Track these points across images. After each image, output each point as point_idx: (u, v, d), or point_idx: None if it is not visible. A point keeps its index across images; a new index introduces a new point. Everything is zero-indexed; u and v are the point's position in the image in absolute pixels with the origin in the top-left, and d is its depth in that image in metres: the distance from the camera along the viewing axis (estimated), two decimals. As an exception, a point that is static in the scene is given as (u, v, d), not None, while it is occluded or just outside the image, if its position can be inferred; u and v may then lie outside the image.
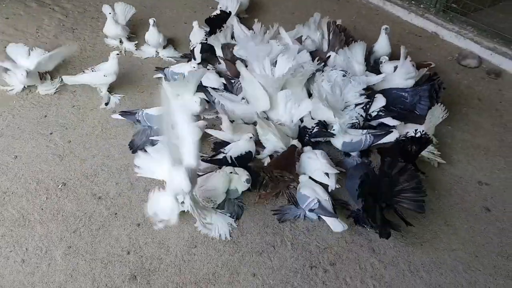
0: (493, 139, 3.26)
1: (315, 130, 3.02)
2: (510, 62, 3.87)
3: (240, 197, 2.73)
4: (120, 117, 3.20)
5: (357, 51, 3.48)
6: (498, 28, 4.06)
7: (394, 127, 3.07)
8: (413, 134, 2.76)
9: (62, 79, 3.56)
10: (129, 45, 4.10)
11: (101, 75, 3.43)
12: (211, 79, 3.47)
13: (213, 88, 3.36)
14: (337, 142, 3.00)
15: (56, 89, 3.56)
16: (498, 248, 2.54)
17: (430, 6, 4.53)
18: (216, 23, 3.75)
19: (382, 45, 3.73)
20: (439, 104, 3.02)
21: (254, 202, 2.74)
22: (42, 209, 2.68)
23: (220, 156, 2.84)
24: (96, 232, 2.56)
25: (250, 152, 2.87)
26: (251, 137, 2.86)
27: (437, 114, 2.97)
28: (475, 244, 2.56)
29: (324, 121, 3.08)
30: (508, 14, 4.10)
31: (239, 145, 2.87)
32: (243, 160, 2.84)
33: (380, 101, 3.15)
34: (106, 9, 3.97)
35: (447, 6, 4.42)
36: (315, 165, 2.81)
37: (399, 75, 3.31)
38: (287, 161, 2.82)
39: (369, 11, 4.78)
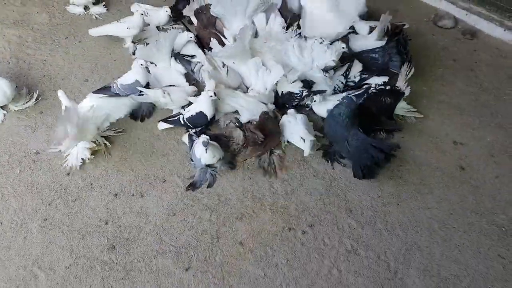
0: (468, 99, 3.29)
1: (305, 93, 3.00)
2: (484, 22, 3.87)
3: (214, 165, 2.70)
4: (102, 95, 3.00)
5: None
6: (474, -13, 4.04)
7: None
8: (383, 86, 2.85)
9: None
10: (99, 9, 3.94)
11: (124, 27, 3.43)
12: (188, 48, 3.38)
13: (190, 56, 3.29)
14: (321, 111, 2.98)
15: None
16: (472, 205, 2.60)
17: (407, -33, 4.46)
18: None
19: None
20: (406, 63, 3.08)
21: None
22: (15, 182, 2.62)
23: (176, 117, 2.89)
24: (73, 203, 2.53)
25: (201, 112, 2.81)
26: (211, 96, 2.77)
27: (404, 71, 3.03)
28: (450, 202, 2.61)
29: (309, 80, 3.09)
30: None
31: (193, 105, 2.86)
32: (196, 122, 2.84)
33: (357, 66, 3.16)
34: None
35: (423, -34, 4.36)
36: (293, 128, 2.81)
37: (373, 36, 3.29)
38: (273, 128, 2.81)
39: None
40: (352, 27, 3.41)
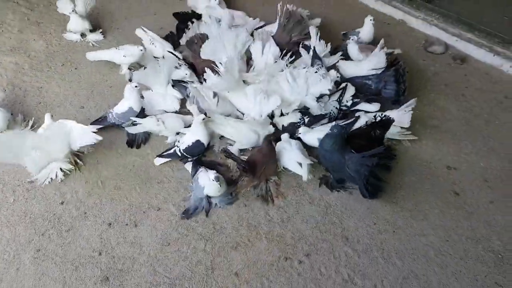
0: (460, 123, 3.32)
1: (307, 120, 3.04)
2: (474, 47, 3.95)
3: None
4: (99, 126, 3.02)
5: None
6: (462, 14, 4.13)
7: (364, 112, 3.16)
8: (374, 119, 2.86)
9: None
10: (96, 36, 3.98)
11: (121, 54, 3.44)
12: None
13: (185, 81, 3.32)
14: (312, 140, 2.98)
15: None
16: (467, 231, 2.60)
17: (397, -6, 4.56)
18: (184, 18, 3.73)
19: (366, 32, 3.80)
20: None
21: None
22: (9, 211, 2.60)
23: (172, 150, 2.90)
24: (66, 233, 2.50)
25: (198, 141, 2.82)
26: (203, 119, 2.82)
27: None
28: (445, 229, 2.62)
29: (304, 107, 3.14)
30: (469, 0, 4.16)
31: (188, 135, 2.87)
32: (193, 151, 2.84)
33: (350, 90, 3.19)
34: (64, 6, 3.87)
35: (413, -6, 4.46)
36: (289, 154, 2.82)
37: (368, 63, 3.35)
38: (266, 157, 2.81)
39: (337, 2, 4.77)
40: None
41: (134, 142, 3.04)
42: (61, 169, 2.81)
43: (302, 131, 2.98)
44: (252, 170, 2.70)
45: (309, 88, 3.13)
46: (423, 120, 3.32)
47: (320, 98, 3.11)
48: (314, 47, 3.41)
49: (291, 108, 3.11)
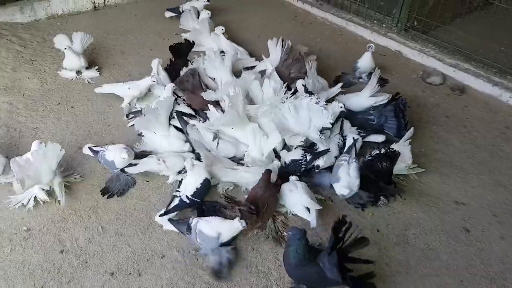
0: (464, 156, 3.30)
1: (309, 157, 2.97)
2: (472, 78, 3.98)
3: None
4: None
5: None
6: (458, 45, 4.18)
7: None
8: (378, 151, 2.84)
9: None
10: (91, 73, 3.93)
11: (125, 87, 3.43)
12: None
13: (189, 115, 3.28)
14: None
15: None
16: (481, 270, 2.54)
17: (392, 26, 4.62)
18: (179, 51, 3.70)
19: (365, 61, 3.88)
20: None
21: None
22: (6, 262, 2.47)
23: (175, 201, 2.72)
24: (67, 285, 2.38)
25: (206, 180, 2.73)
26: (193, 164, 2.74)
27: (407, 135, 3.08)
28: (459, 268, 2.55)
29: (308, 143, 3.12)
30: (465, 31, 4.22)
31: (189, 179, 2.74)
32: (203, 193, 2.74)
33: (347, 124, 3.29)
34: (61, 43, 3.83)
35: (408, 26, 4.51)
36: (295, 198, 2.74)
37: (365, 93, 3.39)
38: (267, 193, 2.73)
39: (333, 32, 4.83)
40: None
41: (109, 191, 2.91)
42: (35, 197, 2.77)
43: (321, 164, 2.95)
44: (256, 210, 2.62)
45: (311, 120, 3.12)
46: (428, 153, 3.30)
47: (321, 132, 3.08)
48: (304, 84, 3.41)
49: (297, 140, 3.08)
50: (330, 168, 2.98)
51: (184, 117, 3.23)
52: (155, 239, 2.64)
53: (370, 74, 3.72)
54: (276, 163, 3.01)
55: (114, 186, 2.91)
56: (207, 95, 3.33)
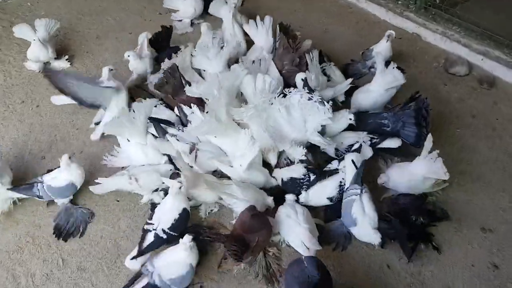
0: (493, 167, 2.80)
1: (312, 177, 2.49)
2: (504, 68, 3.39)
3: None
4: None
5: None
6: (488, 27, 3.55)
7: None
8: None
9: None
10: (61, 64, 3.43)
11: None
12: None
13: (167, 122, 2.78)
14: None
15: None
16: (513, 321, 2.10)
17: (410, 3, 3.98)
18: (160, 42, 3.18)
19: (382, 49, 3.32)
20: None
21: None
22: None
23: (150, 237, 2.21)
24: None
25: (185, 210, 2.26)
26: (180, 187, 2.26)
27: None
28: (487, 317, 2.11)
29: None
30: (497, 9, 3.59)
31: (164, 210, 2.27)
32: (181, 226, 2.26)
33: (366, 150, 2.65)
34: (22, 33, 3.31)
35: (428, 3, 3.87)
36: (292, 227, 2.27)
37: (380, 83, 2.88)
38: (257, 224, 2.25)
39: (340, 9, 4.21)
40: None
41: (62, 230, 2.42)
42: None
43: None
44: (242, 248, 2.16)
45: (306, 121, 2.66)
46: (450, 163, 2.71)
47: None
48: (305, 78, 2.84)
49: (298, 152, 2.62)
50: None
51: (161, 125, 2.74)
52: (123, 276, 2.24)
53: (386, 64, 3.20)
54: (269, 200, 2.48)
55: (67, 224, 2.44)
56: (190, 91, 2.82)
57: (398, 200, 2.52)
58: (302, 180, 2.50)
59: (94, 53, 3.58)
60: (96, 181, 2.49)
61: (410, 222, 2.37)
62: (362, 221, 2.23)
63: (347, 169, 2.45)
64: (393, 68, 2.84)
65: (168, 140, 2.65)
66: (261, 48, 3.32)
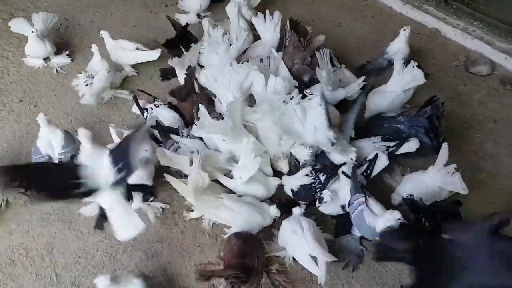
0: (517, 179, 2.61)
1: (323, 178, 2.34)
2: (529, 68, 3.17)
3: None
4: None
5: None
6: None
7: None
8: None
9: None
10: (61, 60, 3.28)
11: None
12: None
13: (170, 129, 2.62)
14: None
15: None
16: None
17: (429, -5, 3.74)
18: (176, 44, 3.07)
19: (398, 45, 3.11)
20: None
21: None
22: None
23: None
24: None
25: None
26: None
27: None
28: None
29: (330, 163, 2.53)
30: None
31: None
32: None
33: (382, 159, 2.45)
34: (19, 27, 3.16)
35: (449, -5, 3.64)
36: (299, 244, 2.12)
37: (397, 84, 2.70)
38: (248, 245, 2.12)
39: (355, 2, 3.97)
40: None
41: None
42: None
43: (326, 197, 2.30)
44: (246, 272, 2.02)
45: (316, 131, 2.48)
46: (468, 172, 2.57)
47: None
48: (322, 88, 2.69)
49: (303, 152, 2.48)
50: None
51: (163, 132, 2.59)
52: (120, 293, 2.11)
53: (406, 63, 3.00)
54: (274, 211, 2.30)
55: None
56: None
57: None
58: (313, 185, 2.34)
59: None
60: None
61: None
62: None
63: (343, 183, 2.31)
64: (413, 67, 2.63)
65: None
66: (265, 43, 3.15)
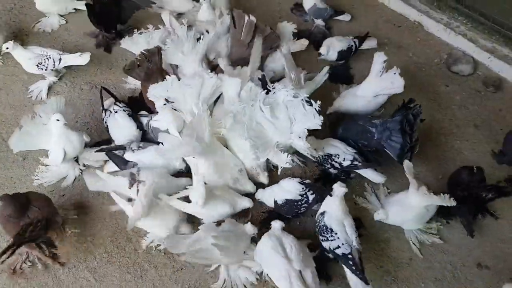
0: (495, 191, 2.49)
1: (311, 197, 2.20)
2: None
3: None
4: None
5: None
6: (499, 21, 3.11)
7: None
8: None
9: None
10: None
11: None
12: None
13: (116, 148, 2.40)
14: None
15: None
16: None
17: (413, -15, 3.53)
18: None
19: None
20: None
21: None
22: None
23: None
24: None
25: None
26: None
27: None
28: None
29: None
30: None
31: None
32: None
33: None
34: None
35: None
36: (278, 263, 1.92)
37: (370, 88, 2.56)
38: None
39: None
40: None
41: None
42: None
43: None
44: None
45: (292, 123, 2.34)
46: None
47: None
48: (263, 75, 2.54)
49: (271, 155, 2.32)
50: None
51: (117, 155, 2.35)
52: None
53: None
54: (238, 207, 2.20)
55: None
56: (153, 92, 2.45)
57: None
58: (299, 203, 2.20)
59: (53, 31, 3.14)
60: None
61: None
62: None
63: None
64: (395, 73, 2.45)
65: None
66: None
